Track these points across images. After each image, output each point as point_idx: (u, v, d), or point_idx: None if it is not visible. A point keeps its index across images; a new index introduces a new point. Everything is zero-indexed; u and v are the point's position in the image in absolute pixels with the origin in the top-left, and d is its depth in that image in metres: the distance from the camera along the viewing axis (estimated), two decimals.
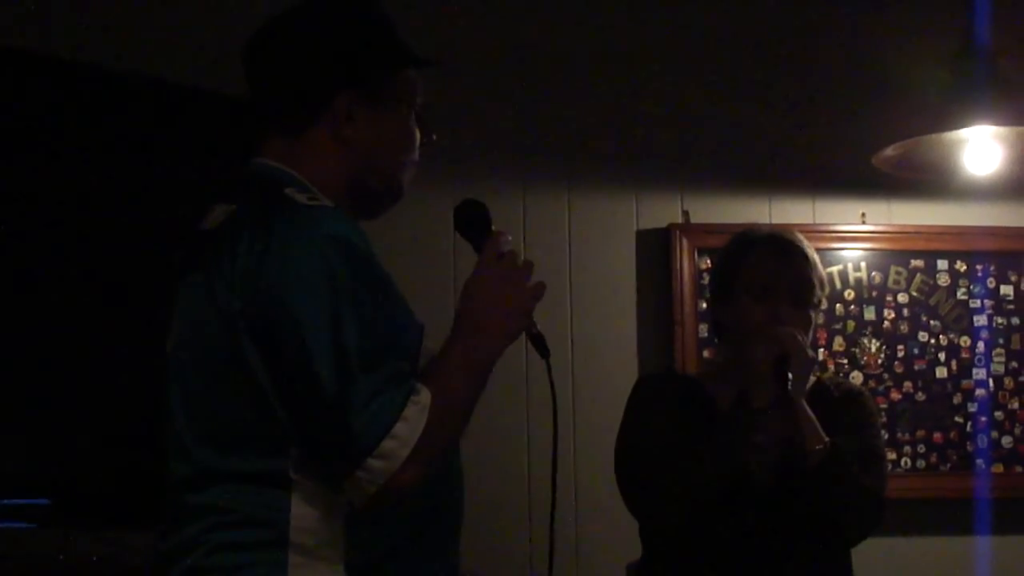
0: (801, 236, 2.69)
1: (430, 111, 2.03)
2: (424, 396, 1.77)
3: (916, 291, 4.08)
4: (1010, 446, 4.06)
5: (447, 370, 1.83)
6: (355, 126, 1.93)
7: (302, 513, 1.79)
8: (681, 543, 2.58)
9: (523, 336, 1.92)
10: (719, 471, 2.49)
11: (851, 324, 4.02)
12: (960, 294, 4.10)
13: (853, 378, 3.95)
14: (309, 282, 1.75)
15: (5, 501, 3.32)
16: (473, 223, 1.96)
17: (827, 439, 2.50)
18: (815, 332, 2.74)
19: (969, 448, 4.04)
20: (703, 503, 2.50)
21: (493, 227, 1.94)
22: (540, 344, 1.93)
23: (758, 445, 2.51)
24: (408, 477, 1.75)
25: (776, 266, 2.60)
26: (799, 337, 2.52)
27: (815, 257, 2.64)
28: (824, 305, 2.70)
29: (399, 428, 1.74)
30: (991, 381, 4.07)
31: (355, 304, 1.75)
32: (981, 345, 4.08)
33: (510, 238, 1.92)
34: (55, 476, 3.39)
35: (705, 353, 3.87)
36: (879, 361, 4.03)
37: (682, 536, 2.57)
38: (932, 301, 4.08)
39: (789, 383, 2.48)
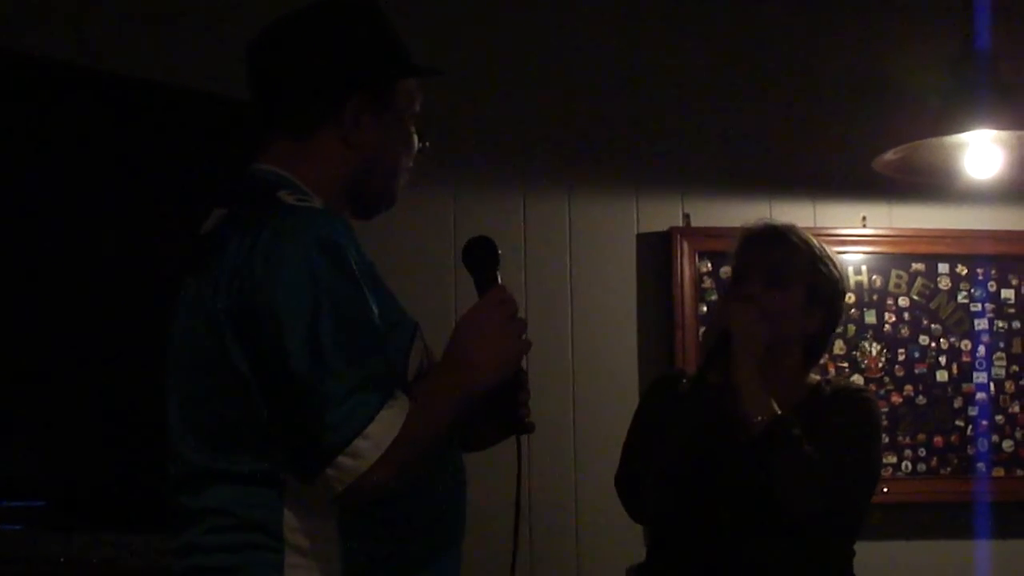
0: (790, 225, 2.70)
1: (425, 119, 2.06)
2: (402, 402, 1.79)
3: (917, 295, 4.07)
4: (1011, 450, 4.06)
5: (431, 391, 1.84)
6: (361, 131, 1.96)
7: (295, 514, 1.81)
8: (661, 526, 2.63)
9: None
10: (672, 450, 2.52)
11: (852, 327, 4.01)
12: (961, 298, 4.09)
13: (854, 380, 3.94)
14: (290, 280, 1.77)
15: (5, 503, 3.32)
16: (484, 264, 1.99)
17: (776, 412, 2.47)
18: (823, 316, 2.67)
19: (970, 452, 4.03)
20: (669, 483, 2.53)
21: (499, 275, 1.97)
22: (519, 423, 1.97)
23: (709, 421, 2.53)
24: (377, 478, 1.75)
25: (750, 251, 2.65)
26: (747, 311, 2.52)
27: (801, 241, 2.65)
28: (849, 293, 2.67)
29: (372, 429, 1.75)
30: (992, 385, 4.06)
31: (335, 303, 1.77)
32: (982, 349, 4.07)
33: (515, 298, 1.95)
34: (55, 478, 3.39)
35: None
36: (880, 364, 4.02)
37: (659, 519, 2.62)
38: (933, 305, 4.08)
39: (724, 357, 2.50)
